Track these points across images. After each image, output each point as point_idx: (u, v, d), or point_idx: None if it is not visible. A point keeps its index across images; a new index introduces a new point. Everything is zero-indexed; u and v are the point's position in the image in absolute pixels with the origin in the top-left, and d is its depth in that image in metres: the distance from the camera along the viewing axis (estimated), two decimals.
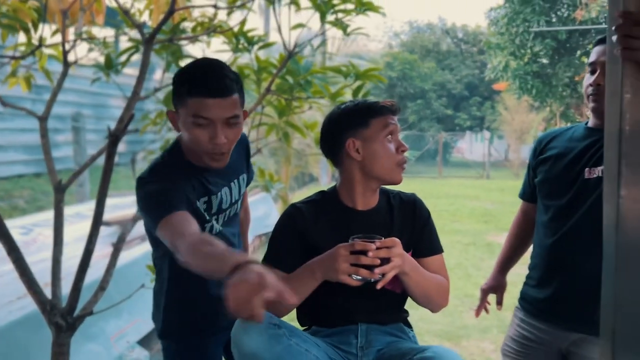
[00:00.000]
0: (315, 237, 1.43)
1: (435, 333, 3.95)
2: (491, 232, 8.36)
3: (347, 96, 2.39)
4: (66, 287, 2.06)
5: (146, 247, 3.97)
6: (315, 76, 2.37)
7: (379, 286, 1.29)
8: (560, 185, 1.68)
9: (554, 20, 13.81)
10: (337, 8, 2.26)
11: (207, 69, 1.46)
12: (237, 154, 1.62)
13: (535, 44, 13.46)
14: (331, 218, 1.47)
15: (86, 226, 4.11)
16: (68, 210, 2.20)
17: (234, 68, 2.52)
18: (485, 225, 9.05)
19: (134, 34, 2.52)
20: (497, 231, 8.28)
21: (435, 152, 20.88)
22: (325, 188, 1.59)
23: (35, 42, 2.34)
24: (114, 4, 2.31)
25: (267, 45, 2.50)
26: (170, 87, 1.57)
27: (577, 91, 13.63)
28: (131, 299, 2.27)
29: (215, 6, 2.29)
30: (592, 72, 1.64)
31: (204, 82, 1.41)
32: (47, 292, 2.02)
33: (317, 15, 2.29)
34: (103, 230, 2.03)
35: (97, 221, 1.96)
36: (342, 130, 1.47)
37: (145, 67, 2.03)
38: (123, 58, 2.46)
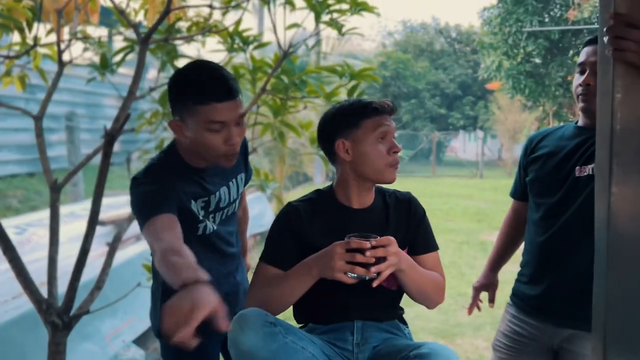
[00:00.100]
0: (311, 235, 1.44)
1: (429, 331, 3.98)
2: (484, 231, 8.40)
3: (342, 96, 2.41)
4: (61, 287, 2.06)
5: (141, 247, 3.97)
6: (310, 76, 2.38)
7: (375, 284, 1.30)
8: (551, 184, 1.70)
9: (546, 20, 13.88)
10: (332, 8, 2.27)
11: (211, 73, 1.44)
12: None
13: (528, 44, 13.52)
14: (327, 216, 1.49)
15: (80, 226, 4.10)
16: (62, 210, 2.20)
17: (229, 68, 2.53)
18: (479, 224, 9.09)
19: (129, 33, 2.53)
20: (490, 230, 8.32)
21: (429, 151, 20.93)
22: (319, 187, 1.61)
23: (29, 41, 2.34)
24: (109, 4, 2.31)
25: (262, 45, 2.51)
26: (165, 87, 1.57)
27: (570, 91, 13.59)
28: (126, 298, 2.27)
29: (210, 6, 2.30)
30: (582, 73, 1.66)
31: (213, 88, 1.41)
32: (43, 292, 2.02)
33: (311, 15, 2.30)
34: (97, 230, 2.04)
35: (93, 220, 1.96)
36: (333, 131, 1.48)
37: (141, 67, 2.04)
38: (118, 58, 2.47)
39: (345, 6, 2.27)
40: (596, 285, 1.16)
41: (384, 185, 1.56)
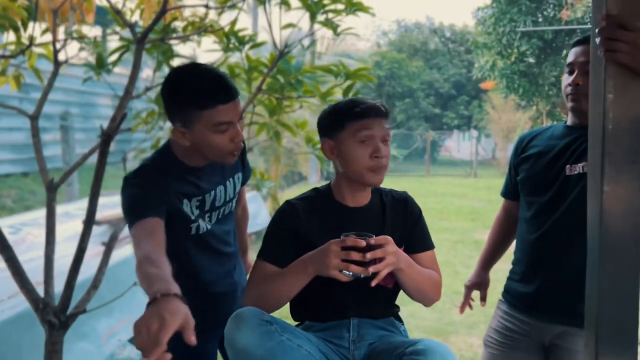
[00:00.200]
0: (308, 233, 1.45)
1: (424, 329, 4.00)
2: (479, 229, 8.44)
3: (338, 95, 2.42)
4: (57, 286, 2.07)
5: None
6: (305, 75, 2.39)
7: (373, 283, 1.32)
8: (542, 182, 1.72)
9: (540, 20, 13.93)
10: (327, 8, 2.28)
11: (210, 77, 1.44)
12: None
13: (521, 44, 13.57)
14: (324, 215, 1.50)
15: (75, 225, 4.11)
16: (57, 210, 2.20)
17: (224, 67, 2.54)
18: (473, 223, 9.13)
19: (124, 33, 2.53)
20: (484, 229, 8.35)
21: (423, 150, 20.97)
22: (314, 186, 1.62)
23: (24, 40, 2.34)
24: (104, 3, 2.32)
25: (258, 45, 2.52)
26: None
27: None
28: (122, 298, 2.28)
29: (206, 6, 2.30)
30: (571, 73, 1.68)
31: (216, 91, 1.41)
32: (39, 291, 2.02)
33: (306, 15, 2.31)
34: (92, 230, 2.05)
35: (90, 220, 1.97)
36: (322, 130, 1.52)
37: (137, 67, 2.04)
38: (113, 57, 2.47)
39: (340, 6, 2.28)
40: (589, 282, 1.17)
41: (388, 186, 1.59)
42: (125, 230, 2.64)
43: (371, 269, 1.29)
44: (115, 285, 2.51)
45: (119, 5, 2.25)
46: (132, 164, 1.65)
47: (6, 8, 2.25)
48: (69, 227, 4.01)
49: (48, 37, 2.37)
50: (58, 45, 2.29)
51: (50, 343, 1.95)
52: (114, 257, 2.57)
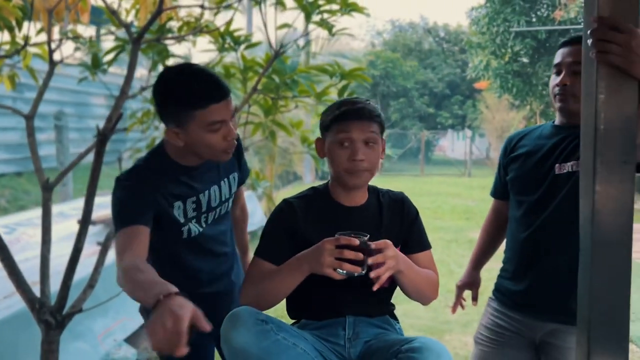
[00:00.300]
0: (305, 232, 1.46)
1: (418, 328, 4.02)
2: (473, 229, 8.46)
3: (333, 95, 2.43)
4: (52, 286, 2.07)
5: None
6: (300, 75, 2.40)
7: (374, 288, 1.33)
8: (532, 181, 1.74)
9: (533, 20, 13.98)
10: (322, 9, 2.29)
11: (201, 77, 1.45)
12: None
13: (515, 44, 13.62)
14: (321, 213, 1.51)
15: (70, 225, 4.10)
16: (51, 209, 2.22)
17: (219, 67, 2.55)
18: (467, 222, 9.16)
19: (119, 33, 2.53)
20: (478, 228, 8.27)
21: (418, 150, 21.02)
22: (308, 186, 1.63)
23: (19, 40, 2.34)
24: (99, 3, 2.32)
25: (253, 45, 2.53)
26: None
27: None
28: (118, 298, 2.27)
29: (202, 6, 2.31)
30: (558, 73, 1.70)
31: (208, 91, 1.42)
32: (35, 291, 2.03)
33: (301, 15, 2.32)
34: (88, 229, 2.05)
35: (86, 220, 1.97)
36: (320, 128, 1.55)
37: (133, 67, 2.05)
38: (108, 57, 2.47)
39: (335, 7, 2.29)
40: (581, 280, 1.19)
41: (378, 185, 1.60)
42: None
43: (372, 274, 1.31)
44: (110, 285, 2.50)
45: (115, 6, 2.25)
46: (128, 164, 1.66)
47: (1, 8, 2.25)
48: (63, 227, 4.00)
49: (43, 36, 2.37)
50: (53, 45, 2.29)
51: (47, 342, 1.95)
52: (109, 256, 2.57)
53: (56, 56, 2.30)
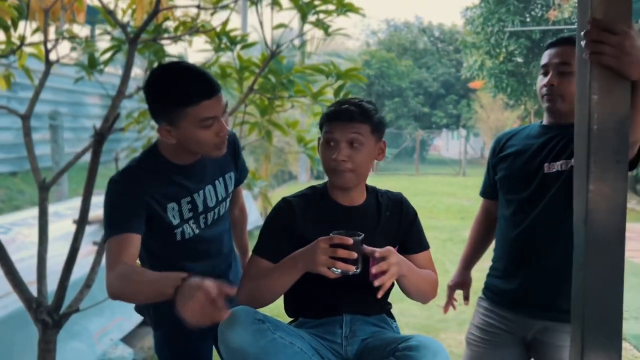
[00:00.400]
0: (304, 231, 1.48)
1: (414, 326, 4.03)
2: (468, 228, 8.38)
3: (329, 95, 2.44)
4: (48, 286, 2.07)
5: None
6: (296, 75, 2.41)
7: (379, 295, 1.35)
8: (521, 180, 1.76)
9: (528, 20, 14.03)
10: (318, 9, 2.30)
11: (191, 74, 1.46)
12: None
13: (510, 44, 13.66)
14: (320, 213, 1.53)
15: (65, 225, 4.09)
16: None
17: (216, 67, 2.55)
18: (462, 221, 9.18)
19: (116, 33, 2.53)
20: None
21: (413, 149, 21.05)
22: (303, 185, 1.64)
23: (14, 40, 2.34)
24: (95, 3, 2.32)
25: (250, 45, 2.53)
26: None
27: None
28: None
29: (199, 6, 2.31)
30: (545, 74, 1.73)
31: (198, 87, 1.43)
32: (31, 290, 2.02)
33: (296, 14, 2.33)
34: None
35: (83, 219, 1.97)
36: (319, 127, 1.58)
37: (129, 67, 2.05)
38: (104, 57, 2.47)
39: (331, 7, 2.30)
40: (575, 278, 1.20)
41: (377, 185, 1.62)
42: None
43: (376, 282, 1.32)
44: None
45: (111, 6, 2.26)
46: (124, 164, 1.66)
47: None
48: (59, 227, 3.99)
49: (39, 36, 2.36)
50: (49, 45, 2.29)
51: (44, 342, 1.95)
52: (104, 256, 2.57)
53: (52, 56, 2.30)
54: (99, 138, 1.92)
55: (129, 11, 2.47)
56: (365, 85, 21.19)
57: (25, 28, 2.29)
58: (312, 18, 2.32)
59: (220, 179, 1.69)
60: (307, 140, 2.73)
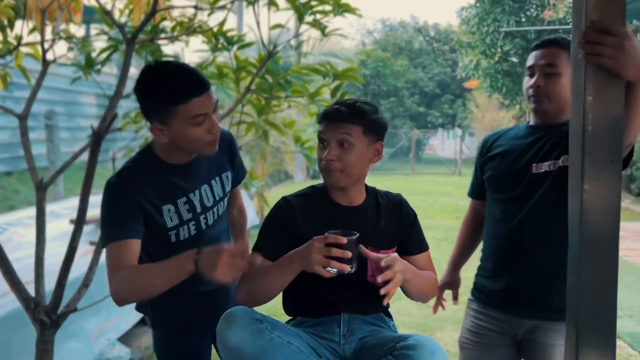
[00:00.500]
0: (303, 230, 1.48)
1: (410, 325, 4.05)
2: None
3: (326, 95, 2.45)
4: (46, 286, 2.07)
5: None
6: (292, 75, 2.41)
7: (385, 302, 1.36)
8: (508, 180, 1.78)
9: (523, 20, 14.07)
10: (315, 9, 2.31)
11: (180, 72, 1.46)
12: (218, 151, 1.63)
13: (505, 43, 13.70)
14: (319, 212, 1.54)
15: (61, 225, 4.08)
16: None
17: (213, 67, 2.55)
18: (457, 221, 9.13)
19: (112, 33, 2.53)
20: None
21: (408, 149, 21.08)
22: (299, 185, 1.65)
23: (11, 40, 2.33)
24: (92, 3, 2.32)
25: (247, 45, 2.54)
26: None
27: None
28: (110, 297, 2.27)
29: (196, 7, 2.32)
30: (531, 75, 1.75)
31: (188, 85, 1.44)
32: (28, 290, 2.03)
33: (291, 13, 2.33)
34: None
35: (81, 219, 1.97)
36: None
37: (127, 67, 2.05)
38: (101, 57, 2.47)
39: (328, 7, 2.30)
40: (569, 277, 1.22)
41: (376, 186, 1.63)
42: None
43: (382, 291, 1.34)
44: (103, 284, 2.51)
45: (108, 6, 2.26)
46: (121, 163, 1.66)
47: None
48: (55, 227, 3.98)
49: (35, 36, 2.36)
50: (46, 45, 2.29)
51: (42, 342, 1.95)
52: (103, 256, 2.57)
53: (49, 56, 2.30)
54: (97, 138, 1.93)
55: (126, 11, 2.47)
56: (361, 85, 21.19)
57: (23, 28, 2.29)
58: (308, 18, 2.33)
59: (217, 178, 1.69)
60: (303, 140, 2.73)
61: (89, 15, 2.75)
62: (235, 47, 2.48)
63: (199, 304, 1.71)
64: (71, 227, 2.02)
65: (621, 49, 1.11)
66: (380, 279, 1.34)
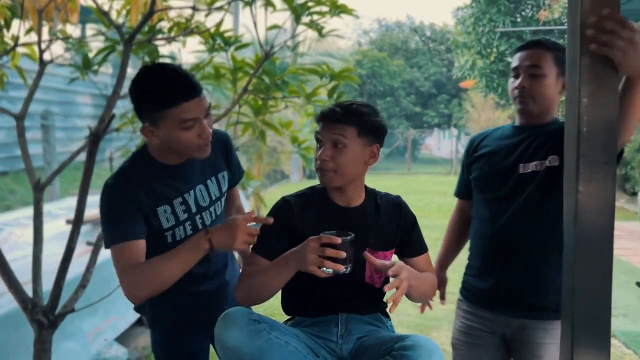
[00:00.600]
0: (302, 230, 1.49)
1: (407, 325, 4.06)
2: None
3: (323, 96, 2.46)
4: (43, 286, 2.07)
5: None
6: (289, 76, 2.42)
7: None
8: (495, 180, 1.80)
9: (518, 20, 14.11)
10: (312, 10, 2.31)
11: (172, 75, 1.47)
12: (213, 152, 1.64)
13: (500, 44, 13.74)
14: (318, 213, 1.54)
15: (58, 225, 4.07)
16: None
17: (210, 68, 2.56)
18: None
19: (108, 33, 2.53)
20: None
21: (404, 148, 21.10)
22: (296, 185, 1.66)
23: (7, 40, 2.33)
24: (89, 3, 2.32)
25: (244, 46, 2.54)
26: None
27: None
28: (107, 297, 2.28)
29: (194, 7, 2.32)
30: (516, 77, 1.77)
31: (179, 89, 1.44)
32: (26, 290, 2.03)
33: (288, 14, 2.34)
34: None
35: (79, 219, 1.97)
36: None
37: (125, 67, 2.05)
38: (99, 57, 2.47)
39: (325, 8, 2.31)
40: (565, 276, 1.23)
41: (368, 184, 1.63)
42: None
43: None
44: (99, 285, 2.51)
45: (106, 7, 2.26)
46: (119, 163, 1.67)
47: None
48: (51, 227, 3.97)
49: (32, 36, 2.36)
50: (43, 46, 2.29)
51: (40, 342, 1.95)
52: (99, 256, 2.57)
53: (46, 56, 2.30)
54: (94, 139, 1.93)
55: (123, 12, 2.47)
56: (357, 85, 21.18)
57: (20, 28, 2.29)
58: (305, 19, 2.33)
59: (213, 178, 1.69)
60: (300, 140, 2.74)
61: (85, 15, 2.74)
62: (232, 48, 2.49)
63: (198, 304, 1.71)
64: (67, 228, 2.02)
65: (632, 43, 1.13)
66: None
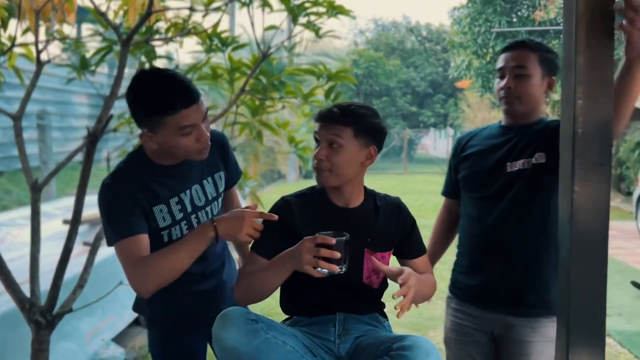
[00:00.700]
0: (301, 230, 1.49)
1: (404, 324, 4.07)
2: None
3: (319, 96, 2.47)
4: (40, 286, 2.07)
5: None
6: (286, 76, 2.43)
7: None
8: (483, 178, 1.82)
9: (514, 20, 14.13)
10: (309, 11, 2.32)
11: (170, 83, 1.46)
12: (210, 152, 1.62)
13: (496, 44, 13.74)
14: (317, 213, 1.55)
15: (55, 225, 4.07)
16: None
17: (207, 68, 2.56)
18: None
19: (106, 33, 2.53)
20: None
21: (400, 148, 21.12)
22: (292, 185, 1.66)
23: (4, 40, 2.33)
24: (86, 3, 2.32)
25: (241, 46, 2.55)
26: None
27: None
28: (104, 297, 2.28)
29: (191, 8, 2.32)
30: (502, 77, 1.79)
31: (177, 97, 1.44)
32: (23, 290, 2.03)
33: (285, 15, 2.35)
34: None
35: (76, 219, 1.98)
36: None
37: (122, 68, 2.06)
38: (96, 58, 2.47)
39: (322, 9, 2.32)
40: (560, 276, 1.24)
41: (368, 185, 1.64)
42: None
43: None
44: (97, 285, 2.52)
45: (103, 8, 2.26)
46: (116, 163, 1.67)
47: None
48: (48, 227, 3.97)
49: (29, 37, 2.36)
50: (40, 46, 2.29)
51: (37, 342, 1.95)
52: (97, 256, 2.57)
53: (43, 56, 2.30)
54: (92, 139, 1.93)
55: (120, 12, 2.48)
56: (353, 85, 21.20)
57: (17, 28, 2.29)
58: (302, 20, 2.34)
59: (209, 178, 1.70)
60: (297, 140, 2.75)
61: (82, 16, 2.75)
62: (229, 49, 2.49)
63: (195, 303, 1.72)
64: (64, 228, 2.02)
65: None
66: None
